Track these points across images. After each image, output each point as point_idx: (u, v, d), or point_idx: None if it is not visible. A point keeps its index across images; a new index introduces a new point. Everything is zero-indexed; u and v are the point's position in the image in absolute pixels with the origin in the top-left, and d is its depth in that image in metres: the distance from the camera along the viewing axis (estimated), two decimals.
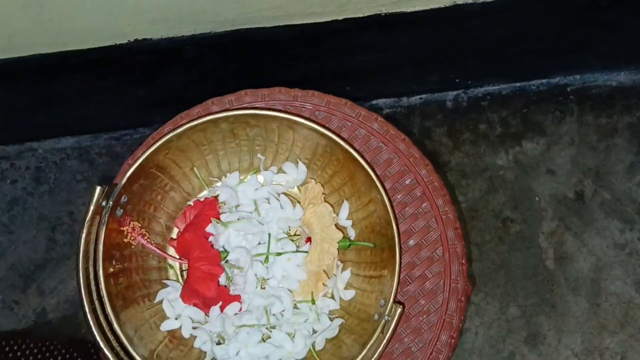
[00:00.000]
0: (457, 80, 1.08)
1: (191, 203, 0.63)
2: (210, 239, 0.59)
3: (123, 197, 0.56)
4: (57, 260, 1.08)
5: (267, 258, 0.59)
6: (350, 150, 0.58)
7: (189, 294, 0.58)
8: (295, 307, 0.61)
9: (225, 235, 0.59)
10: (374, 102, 1.11)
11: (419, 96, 1.11)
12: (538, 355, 1.04)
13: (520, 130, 1.11)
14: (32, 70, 0.88)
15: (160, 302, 0.60)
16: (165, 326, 0.59)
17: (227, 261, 0.59)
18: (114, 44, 0.84)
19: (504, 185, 1.09)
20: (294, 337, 0.58)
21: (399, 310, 0.53)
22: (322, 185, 0.63)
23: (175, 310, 0.59)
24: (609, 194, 1.09)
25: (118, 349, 0.54)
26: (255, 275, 0.59)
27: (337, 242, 0.59)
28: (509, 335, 1.05)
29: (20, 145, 1.12)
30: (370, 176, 0.57)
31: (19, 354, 0.65)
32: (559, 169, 1.10)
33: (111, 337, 0.54)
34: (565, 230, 1.08)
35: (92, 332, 0.53)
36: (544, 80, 1.11)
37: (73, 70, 0.89)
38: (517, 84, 1.11)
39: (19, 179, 1.12)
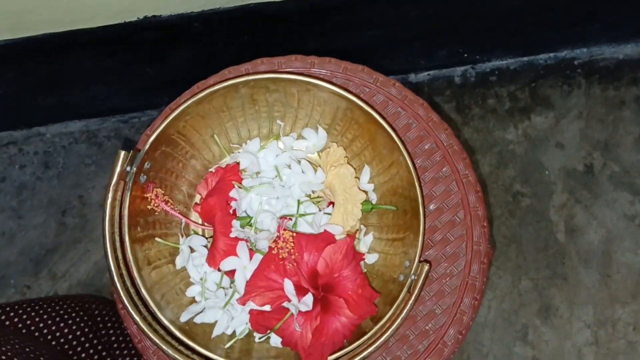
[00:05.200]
0: (465, 55, 1.08)
1: (212, 169, 0.63)
2: (233, 204, 0.59)
3: (146, 163, 0.56)
4: (68, 244, 1.07)
5: (295, 223, 0.59)
6: (371, 111, 0.57)
7: (215, 257, 0.57)
8: None
9: (247, 200, 0.59)
10: None
11: (426, 72, 1.11)
12: (551, 328, 1.04)
13: (528, 105, 1.11)
14: (40, 50, 0.87)
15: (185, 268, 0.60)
16: (192, 292, 0.58)
17: (251, 225, 0.59)
18: (122, 21, 0.84)
19: (514, 160, 1.09)
20: None
21: (426, 267, 0.53)
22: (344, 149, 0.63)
23: (201, 275, 0.59)
24: (618, 166, 1.09)
25: (146, 313, 0.54)
26: None
27: (361, 203, 0.59)
28: (522, 308, 1.05)
29: (28, 130, 1.12)
30: (392, 138, 0.57)
31: (41, 311, 0.65)
32: (568, 142, 1.10)
33: (138, 303, 0.54)
34: (575, 203, 1.08)
35: (120, 297, 0.52)
36: (551, 54, 1.11)
37: (81, 49, 0.89)
38: (525, 59, 1.11)
39: (27, 164, 1.11)
